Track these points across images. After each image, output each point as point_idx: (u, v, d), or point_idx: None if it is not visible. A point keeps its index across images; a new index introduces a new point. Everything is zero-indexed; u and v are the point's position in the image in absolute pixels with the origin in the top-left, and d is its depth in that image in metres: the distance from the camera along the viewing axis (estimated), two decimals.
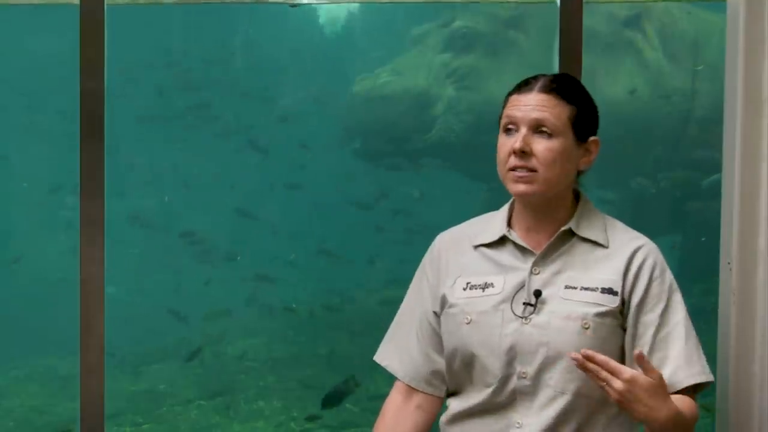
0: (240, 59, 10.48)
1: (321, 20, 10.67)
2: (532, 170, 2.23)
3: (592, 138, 2.28)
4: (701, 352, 2.24)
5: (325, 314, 8.70)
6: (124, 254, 8.39)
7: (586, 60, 2.82)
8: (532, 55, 7.47)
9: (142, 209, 9.62)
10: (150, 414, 7.58)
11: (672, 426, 2.11)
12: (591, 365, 2.05)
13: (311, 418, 7.31)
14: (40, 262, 9.43)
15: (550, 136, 2.23)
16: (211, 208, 9.50)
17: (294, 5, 9.17)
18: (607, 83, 7.50)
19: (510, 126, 2.26)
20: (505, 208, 2.36)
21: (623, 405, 2.07)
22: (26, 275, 9.49)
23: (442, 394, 2.38)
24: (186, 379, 8.00)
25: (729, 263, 2.64)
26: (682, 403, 2.17)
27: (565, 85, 2.27)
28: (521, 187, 2.24)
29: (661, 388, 2.07)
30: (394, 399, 2.42)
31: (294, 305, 8.86)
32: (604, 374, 2.05)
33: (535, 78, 2.29)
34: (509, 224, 2.33)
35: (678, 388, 2.21)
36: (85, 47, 2.91)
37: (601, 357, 2.05)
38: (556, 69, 2.84)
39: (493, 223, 2.35)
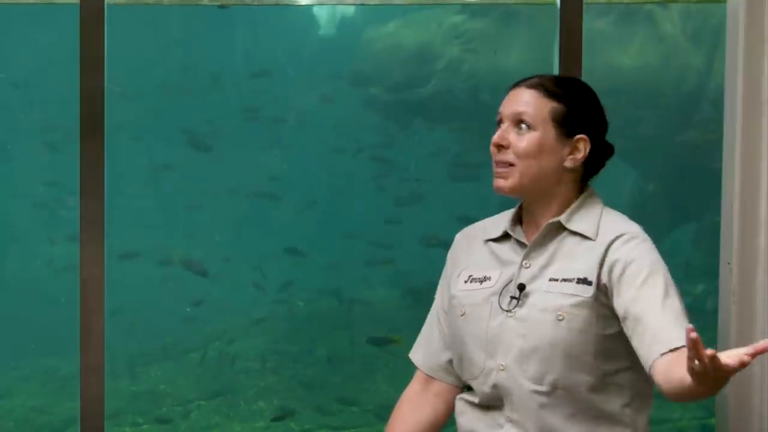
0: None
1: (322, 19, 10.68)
2: (511, 164, 2.27)
3: (579, 136, 2.29)
4: (684, 324, 2.12)
5: (326, 314, 8.70)
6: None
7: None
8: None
9: (144, 210, 9.62)
10: (150, 414, 7.57)
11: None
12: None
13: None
14: (41, 263, 9.42)
15: (527, 129, 2.27)
16: (213, 198, 9.52)
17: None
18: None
19: (498, 121, 2.32)
20: (517, 206, 2.39)
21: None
22: (26, 275, 9.48)
23: (461, 384, 2.41)
24: (186, 379, 8.00)
25: (729, 263, 2.65)
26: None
27: (557, 84, 2.31)
28: (498, 182, 2.30)
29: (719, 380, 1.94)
30: (413, 388, 2.46)
31: (300, 304, 8.86)
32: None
33: (532, 76, 2.33)
34: (520, 222, 2.36)
35: (654, 358, 2.13)
36: (85, 47, 2.91)
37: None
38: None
39: (502, 220, 2.39)
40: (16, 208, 9.85)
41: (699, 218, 7.89)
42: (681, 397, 2.10)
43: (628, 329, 2.19)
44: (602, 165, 2.36)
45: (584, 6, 2.86)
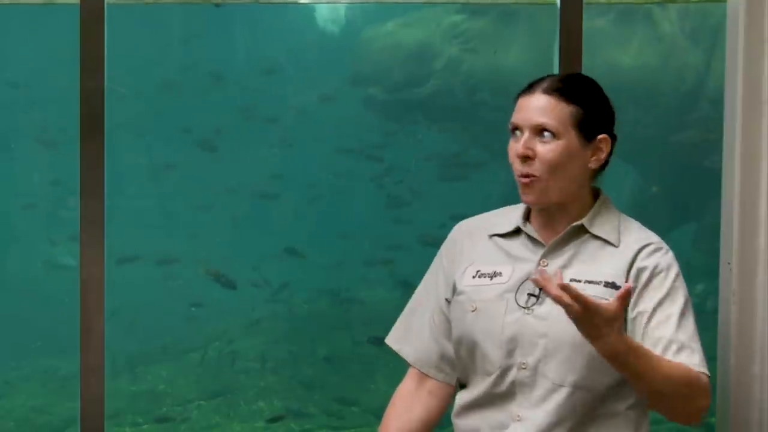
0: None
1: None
2: (535, 174, 2.24)
3: (601, 136, 2.28)
4: (697, 349, 2.22)
5: (326, 314, 8.70)
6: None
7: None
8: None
9: (144, 210, 9.63)
10: (150, 414, 7.58)
11: (618, 358, 2.09)
12: (553, 291, 2.03)
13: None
14: (41, 263, 9.43)
15: (552, 138, 2.23)
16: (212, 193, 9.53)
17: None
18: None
19: (515, 130, 2.28)
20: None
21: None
22: (26, 275, 9.48)
23: (453, 381, 2.40)
24: (186, 379, 8.00)
25: (729, 263, 2.64)
26: (668, 359, 2.16)
27: (570, 85, 2.27)
28: (527, 198, 2.27)
29: (606, 321, 2.04)
30: (406, 385, 2.44)
31: (304, 306, 8.86)
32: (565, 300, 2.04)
33: (541, 80, 2.29)
34: (528, 218, 2.35)
35: None
36: (85, 47, 2.91)
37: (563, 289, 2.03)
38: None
39: (510, 215, 2.36)
40: (16, 208, 9.84)
41: (699, 218, 7.90)
42: (636, 388, 2.19)
43: (637, 337, 2.21)
44: (611, 154, 2.35)
45: (584, 6, 2.86)
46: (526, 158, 2.24)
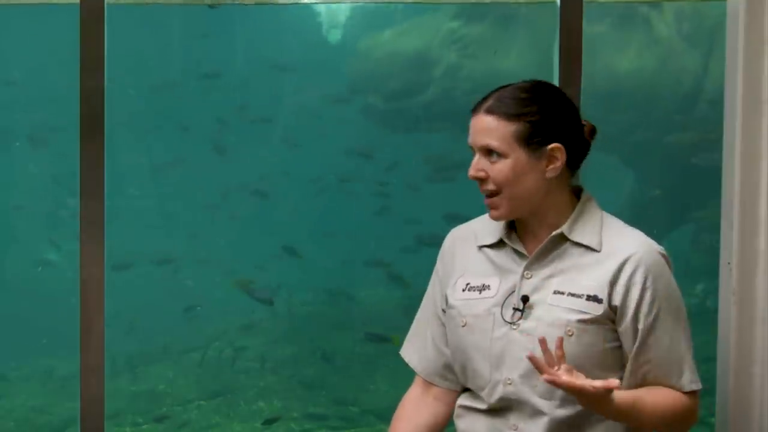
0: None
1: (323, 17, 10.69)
2: (495, 192, 2.25)
3: (552, 146, 2.24)
4: (688, 362, 2.25)
5: (325, 314, 8.70)
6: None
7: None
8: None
9: (145, 209, 9.63)
10: (150, 414, 7.57)
11: (623, 417, 2.21)
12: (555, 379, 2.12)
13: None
14: (40, 263, 9.43)
15: (498, 158, 2.23)
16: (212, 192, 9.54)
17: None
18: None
19: (471, 148, 2.29)
20: None
21: None
22: (26, 275, 9.49)
23: (458, 387, 2.40)
24: (186, 379, 8.00)
25: (729, 263, 2.64)
26: (657, 395, 2.22)
27: (513, 101, 2.25)
28: (492, 214, 2.28)
29: (593, 401, 2.14)
30: (413, 391, 2.46)
31: (305, 306, 8.86)
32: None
33: (487, 97, 2.28)
34: (514, 225, 2.33)
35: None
36: (85, 47, 2.91)
37: (561, 381, 2.11)
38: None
39: (497, 224, 2.35)
40: (15, 208, 9.84)
41: (698, 218, 7.91)
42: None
43: (630, 351, 2.24)
44: (587, 149, 2.32)
45: (584, 6, 2.86)
46: (480, 179, 2.25)
